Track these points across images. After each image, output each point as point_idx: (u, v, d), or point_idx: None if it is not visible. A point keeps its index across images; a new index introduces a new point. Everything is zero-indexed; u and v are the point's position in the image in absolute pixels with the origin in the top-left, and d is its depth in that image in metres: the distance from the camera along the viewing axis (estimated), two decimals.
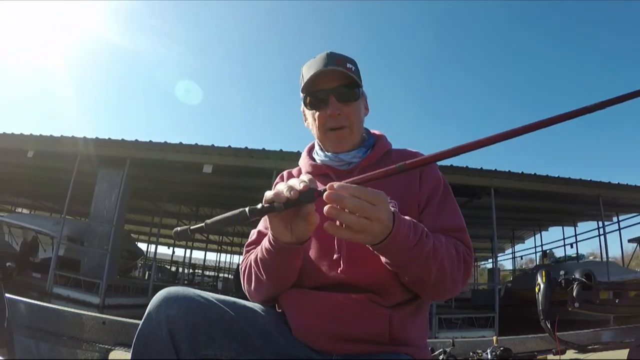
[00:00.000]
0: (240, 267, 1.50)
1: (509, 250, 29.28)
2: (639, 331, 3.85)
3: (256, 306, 1.33)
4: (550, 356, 3.58)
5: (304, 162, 1.59)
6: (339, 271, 1.32)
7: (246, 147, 12.86)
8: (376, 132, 1.62)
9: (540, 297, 3.61)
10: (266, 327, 1.26)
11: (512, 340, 3.75)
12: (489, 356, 3.14)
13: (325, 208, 0.97)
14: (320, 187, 1.05)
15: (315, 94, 1.44)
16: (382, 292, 1.30)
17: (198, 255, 37.51)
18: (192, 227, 1.03)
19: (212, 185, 16.21)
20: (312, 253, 1.38)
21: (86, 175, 14.35)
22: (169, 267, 31.85)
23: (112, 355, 3.13)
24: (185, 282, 25.98)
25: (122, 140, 13.44)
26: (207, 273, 34.58)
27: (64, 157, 13.91)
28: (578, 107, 0.91)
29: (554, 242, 24.24)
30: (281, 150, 12.69)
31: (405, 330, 1.29)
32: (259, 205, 1.02)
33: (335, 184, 0.99)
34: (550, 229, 23.75)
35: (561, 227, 22.41)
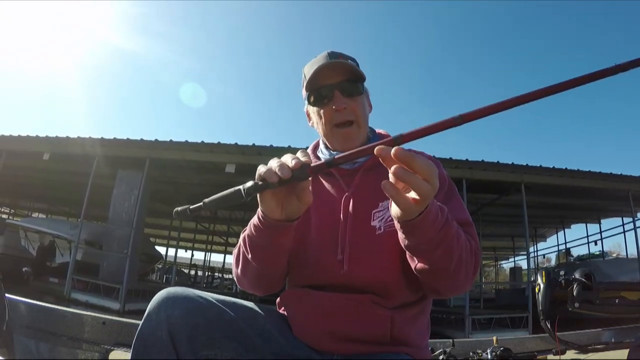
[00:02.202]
0: (233, 252, 1.45)
1: (531, 249, 28.77)
2: (639, 331, 3.67)
3: (256, 306, 1.32)
4: (550, 356, 3.56)
5: None
6: (341, 272, 1.30)
7: (271, 145, 12.56)
8: (381, 131, 1.59)
9: (540, 297, 3.57)
10: (266, 327, 1.25)
11: (512, 340, 3.70)
12: (489, 356, 3.12)
13: (393, 168, 0.87)
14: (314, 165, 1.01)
15: (319, 90, 1.43)
16: (384, 293, 1.29)
17: (217, 258, 37.76)
18: (191, 207, 0.99)
19: (233, 186, 15.57)
20: (315, 252, 1.35)
21: (103, 177, 14.15)
22: (186, 270, 31.77)
23: (112, 355, 3.11)
24: (204, 285, 25.82)
25: (141, 140, 13.20)
26: (226, 276, 34.52)
27: (81, 158, 13.69)
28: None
29: (576, 239, 23.78)
30: (307, 147, 12.18)
31: (406, 331, 1.29)
32: (250, 183, 0.98)
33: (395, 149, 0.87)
34: (572, 226, 23.35)
35: (584, 224, 22.02)
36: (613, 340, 3.71)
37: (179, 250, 23.54)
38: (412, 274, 1.25)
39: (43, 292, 12.72)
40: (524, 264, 30.14)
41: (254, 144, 12.54)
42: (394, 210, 0.99)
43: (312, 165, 0.98)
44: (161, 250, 26.28)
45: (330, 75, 1.40)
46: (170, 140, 12.90)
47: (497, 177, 13.14)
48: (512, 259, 32.67)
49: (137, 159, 13.50)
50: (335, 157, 0.94)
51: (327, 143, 1.51)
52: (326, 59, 1.40)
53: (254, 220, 1.19)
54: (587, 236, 21.90)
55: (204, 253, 30.62)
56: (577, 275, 3.57)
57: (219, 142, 12.66)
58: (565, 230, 23.75)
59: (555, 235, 25.19)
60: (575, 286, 3.50)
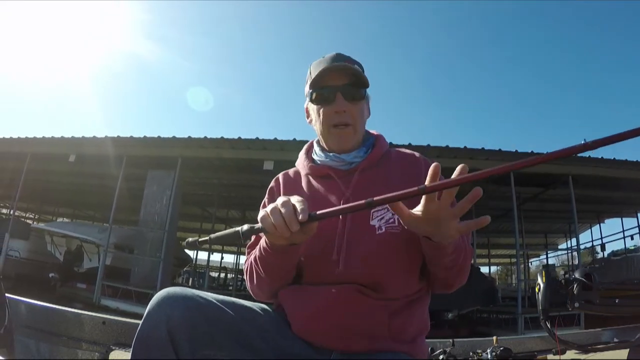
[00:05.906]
0: (244, 266, 1.55)
1: (563, 245, 28.19)
2: (639, 331, 3.58)
3: (255, 306, 1.36)
4: (550, 356, 3.61)
5: (302, 164, 1.62)
6: (337, 271, 1.33)
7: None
8: (374, 132, 1.66)
9: (540, 297, 3.57)
10: (265, 326, 1.28)
11: (512, 340, 3.86)
12: (489, 356, 3.22)
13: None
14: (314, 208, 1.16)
15: (322, 90, 1.48)
16: (380, 290, 1.32)
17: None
18: (199, 240, 1.19)
19: (265, 186, 15.16)
20: (311, 252, 1.38)
21: (132, 179, 13.76)
22: (214, 274, 31.67)
23: (112, 355, 3.19)
24: (230, 287, 25.76)
25: (174, 137, 12.70)
26: None
27: (109, 159, 13.24)
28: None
29: (610, 235, 23.01)
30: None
31: (404, 326, 1.32)
32: (247, 226, 1.14)
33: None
34: (606, 221, 22.49)
35: (619, 219, 20.96)
36: (613, 340, 3.77)
37: (204, 252, 23.56)
38: (411, 272, 1.38)
39: (71, 299, 12.49)
40: (548, 261, 29.87)
41: (294, 139, 11.91)
42: (445, 235, 1.13)
43: (318, 213, 1.10)
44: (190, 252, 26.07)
45: (335, 77, 1.45)
46: (205, 137, 12.44)
47: (544, 169, 12.37)
48: (543, 256, 32.08)
49: (168, 158, 13.00)
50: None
51: (323, 142, 1.56)
52: (333, 60, 1.46)
53: (262, 243, 1.30)
54: (623, 230, 20.75)
55: (234, 256, 30.84)
56: (577, 275, 3.55)
57: (257, 138, 12.17)
58: (600, 225, 23.06)
59: (590, 230, 24.43)
60: (575, 286, 3.48)
